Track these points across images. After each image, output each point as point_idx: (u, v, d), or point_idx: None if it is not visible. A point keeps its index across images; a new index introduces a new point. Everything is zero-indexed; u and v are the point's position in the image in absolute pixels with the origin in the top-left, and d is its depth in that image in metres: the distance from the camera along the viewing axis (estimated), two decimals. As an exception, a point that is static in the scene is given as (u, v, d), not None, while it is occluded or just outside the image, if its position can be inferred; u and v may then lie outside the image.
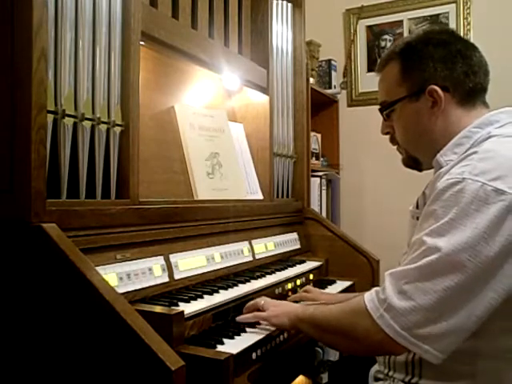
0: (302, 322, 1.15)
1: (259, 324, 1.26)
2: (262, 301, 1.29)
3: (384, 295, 0.95)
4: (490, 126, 1.06)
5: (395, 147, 1.26)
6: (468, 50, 1.12)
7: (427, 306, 0.90)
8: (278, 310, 1.23)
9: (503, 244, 0.89)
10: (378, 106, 1.25)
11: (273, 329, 1.24)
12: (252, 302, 1.31)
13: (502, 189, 0.91)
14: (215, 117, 1.84)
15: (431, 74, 1.11)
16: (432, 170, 1.14)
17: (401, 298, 0.93)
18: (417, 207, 1.13)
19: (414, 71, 1.13)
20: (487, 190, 0.91)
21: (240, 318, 1.26)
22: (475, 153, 0.99)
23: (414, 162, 1.22)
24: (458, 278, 0.89)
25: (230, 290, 1.39)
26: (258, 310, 1.28)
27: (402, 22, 2.98)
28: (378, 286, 1.93)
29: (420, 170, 1.23)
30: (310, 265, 1.91)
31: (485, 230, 0.89)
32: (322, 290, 1.67)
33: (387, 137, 1.27)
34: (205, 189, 1.66)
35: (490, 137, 1.03)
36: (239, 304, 1.36)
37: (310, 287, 1.64)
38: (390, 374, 1.14)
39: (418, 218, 1.09)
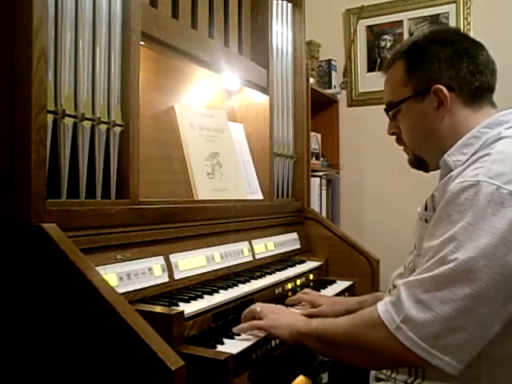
0: (305, 336, 1.10)
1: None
2: (258, 307, 1.23)
3: (400, 305, 0.91)
4: (499, 126, 1.04)
5: (401, 147, 1.25)
6: (474, 49, 1.11)
7: (447, 316, 0.87)
8: (277, 319, 1.18)
9: None
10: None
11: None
12: (247, 310, 1.24)
13: None
14: (215, 117, 1.84)
15: (436, 73, 1.09)
16: (437, 172, 1.12)
17: (418, 309, 0.89)
18: (425, 209, 1.10)
19: (419, 71, 1.12)
20: (503, 193, 0.89)
21: (236, 329, 1.19)
22: (488, 155, 0.98)
23: (420, 163, 1.21)
24: (477, 286, 0.86)
25: (229, 289, 1.39)
26: (255, 317, 1.22)
27: (401, 21, 2.98)
28: (378, 286, 1.94)
29: (426, 170, 1.22)
30: (310, 265, 1.91)
31: (503, 235, 0.87)
32: (320, 293, 1.65)
33: (387, 137, 1.26)
34: (205, 189, 1.66)
35: (500, 138, 1.01)
36: (239, 304, 1.36)
37: (308, 290, 1.61)
38: (393, 375, 1.13)
39: (426, 221, 1.07)
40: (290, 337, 1.14)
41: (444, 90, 1.08)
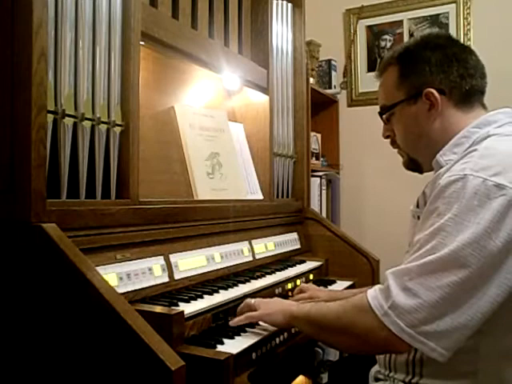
0: (298, 319, 1.15)
1: (255, 326, 1.24)
2: (253, 300, 1.27)
3: (388, 293, 0.95)
4: (488, 126, 1.07)
5: (396, 150, 1.28)
6: (464, 54, 1.15)
7: (432, 303, 0.90)
8: (271, 307, 1.22)
9: (506, 239, 0.90)
10: (378, 106, 1.26)
11: (272, 329, 1.23)
12: (243, 304, 1.28)
13: (503, 183, 0.92)
14: (215, 117, 1.84)
15: (427, 77, 1.13)
16: (432, 172, 1.14)
17: (405, 296, 0.92)
18: (417, 206, 1.14)
19: (411, 75, 1.16)
20: (488, 185, 0.92)
21: (233, 322, 1.23)
22: (475, 150, 1.01)
23: (414, 165, 1.24)
24: (462, 274, 0.89)
25: (230, 289, 1.39)
26: (251, 310, 1.25)
27: (401, 21, 2.98)
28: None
29: (421, 172, 1.25)
30: (310, 265, 1.91)
31: (488, 224, 0.90)
32: (319, 288, 1.65)
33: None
34: (205, 189, 1.66)
35: (488, 136, 1.04)
36: (239, 304, 1.36)
37: (304, 285, 1.62)
38: (391, 374, 1.14)
39: (418, 218, 1.10)
40: (284, 321, 1.18)
41: (435, 93, 1.12)
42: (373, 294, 0.98)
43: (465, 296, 0.90)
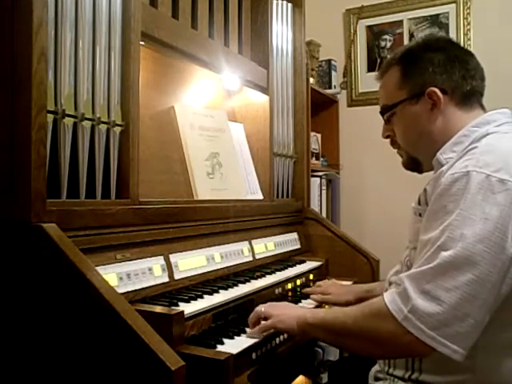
0: (313, 326, 1.12)
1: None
2: (262, 308, 1.24)
3: (406, 296, 0.94)
4: (487, 125, 1.09)
5: (395, 150, 1.29)
6: (465, 56, 1.17)
7: (452, 304, 0.90)
8: (283, 314, 1.19)
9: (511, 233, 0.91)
10: (378, 106, 1.27)
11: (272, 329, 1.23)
12: (252, 314, 1.24)
13: (506, 178, 0.94)
14: (215, 117, 1.84)
15: (430, 77, 1.15)
16: (431, 172, 1.15)
17: (425, 299, 0.92)
18: (419, 203, 1.15)
19: (414, 75, 1.17)
20: (492, 180, 0.94)
21: (249, 333, 1.20)
22: (475, 148, 1.03)
23: (414, 164, 1.25)
24: (478, 271, 0.90)
25: (230, 289, 1.39)
26: (261, 319, 1.22)
27: (401, 21, 2.98)
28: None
29: (420, 171, 1.26)
30: (310, 265, 1.91)
31: (497, 220, 0.91)
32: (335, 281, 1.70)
33: (387, 137, 1.29)
34: (205, 189, 1.66)
35: (488, 134, 1.06)
36: (239, 304, 1.36)
37: (320, 283, 1.68)
38: (390, 371, 1.14)
39: (420, 215, 1.11)
40: (298, 328, 1.16)
41: (438, 92, 1.13)
42: (390, 298, 0.97)
43: (482, 293, 0.90)
